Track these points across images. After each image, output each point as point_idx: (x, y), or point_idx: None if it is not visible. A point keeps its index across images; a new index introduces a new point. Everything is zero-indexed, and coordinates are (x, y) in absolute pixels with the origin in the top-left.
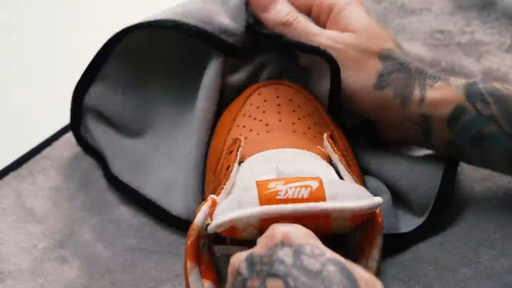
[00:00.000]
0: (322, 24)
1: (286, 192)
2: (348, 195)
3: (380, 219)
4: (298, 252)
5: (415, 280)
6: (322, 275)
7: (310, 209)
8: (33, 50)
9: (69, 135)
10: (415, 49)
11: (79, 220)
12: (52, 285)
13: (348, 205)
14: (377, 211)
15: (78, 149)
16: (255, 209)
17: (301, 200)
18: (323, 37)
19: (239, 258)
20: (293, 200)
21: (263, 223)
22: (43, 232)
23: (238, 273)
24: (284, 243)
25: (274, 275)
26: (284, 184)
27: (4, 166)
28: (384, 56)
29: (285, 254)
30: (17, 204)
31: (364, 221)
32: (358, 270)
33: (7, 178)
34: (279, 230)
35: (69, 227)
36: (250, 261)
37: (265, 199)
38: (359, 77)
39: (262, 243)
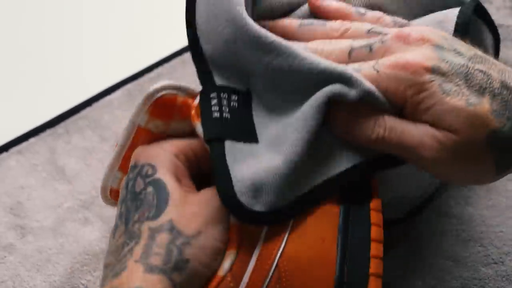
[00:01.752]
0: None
1: None
2: None
3: (194, 106)
4: (138, 172)
5: (433, 274)
6: (140, 196)
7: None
8: (83, 12)
9: (111, 97)
10: None
11: None
12: (72, 245)
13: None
14: (194, 104)
15: (117, 112)
16: None
17: None
18: (426, 150)
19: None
20: None
21: None
22: (70, 192)
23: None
24: (139, 162)
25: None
26: None
27: (41, 122)
28: (492, 143)
29: (131, 172)
30: (49, 162)
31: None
32: (172, 184)
33: (43, 135)
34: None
35: (96, 189)
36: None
37: None
38: (476, 176)
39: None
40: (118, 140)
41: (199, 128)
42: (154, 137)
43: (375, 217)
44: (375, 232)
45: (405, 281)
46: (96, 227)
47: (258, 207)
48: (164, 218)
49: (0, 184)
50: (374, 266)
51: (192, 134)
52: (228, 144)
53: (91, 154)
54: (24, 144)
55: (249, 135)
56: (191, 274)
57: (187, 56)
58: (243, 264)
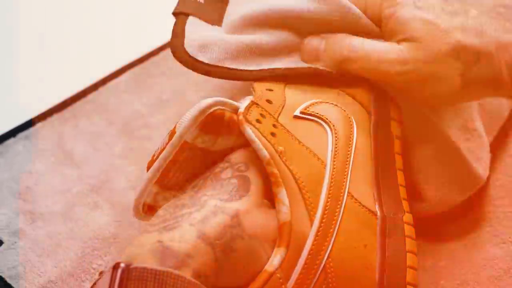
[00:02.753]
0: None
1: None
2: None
3: (238, 118)
4: (231, 165)
5: (442, 254)
6: (223, 182)
7: (164, 147)
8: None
9: (117, 81)
10: None
11: (116, 167)
12: (81, 230)
13: (181, 124)
14: (240, 112)
15: (124, 95)
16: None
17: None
18: (391, 63)
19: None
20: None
21: None
22: (79, 176)
23: None
24: (235, 160)
25: None
26: None
27: (48, 107)
28: (457, 52)
29: (223, 163)
30: (57, 147)
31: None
32: (256, 186)
33: (50, 120)
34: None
35: (105, 173)
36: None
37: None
38: (442, 88)
39: None
40: (156, 152)
41: (248, 132)
42: (198, 152)
43: (408, 230)
44: (410, 244)
45: None
46: (105, 211)
47: (201, 57)
48: (233, 206)
49: (8, 169)
50: (411, 276)
51: (232, 150)
52: (192, 19)
53: (99, 138)
54: (31, 129)
55: (215, 20)
56: (230, 263)
57: None
58: (292, 262)
